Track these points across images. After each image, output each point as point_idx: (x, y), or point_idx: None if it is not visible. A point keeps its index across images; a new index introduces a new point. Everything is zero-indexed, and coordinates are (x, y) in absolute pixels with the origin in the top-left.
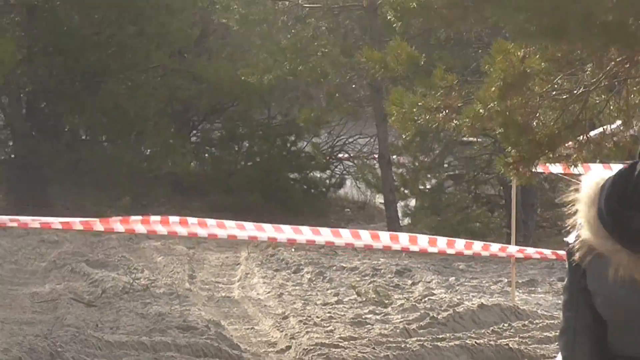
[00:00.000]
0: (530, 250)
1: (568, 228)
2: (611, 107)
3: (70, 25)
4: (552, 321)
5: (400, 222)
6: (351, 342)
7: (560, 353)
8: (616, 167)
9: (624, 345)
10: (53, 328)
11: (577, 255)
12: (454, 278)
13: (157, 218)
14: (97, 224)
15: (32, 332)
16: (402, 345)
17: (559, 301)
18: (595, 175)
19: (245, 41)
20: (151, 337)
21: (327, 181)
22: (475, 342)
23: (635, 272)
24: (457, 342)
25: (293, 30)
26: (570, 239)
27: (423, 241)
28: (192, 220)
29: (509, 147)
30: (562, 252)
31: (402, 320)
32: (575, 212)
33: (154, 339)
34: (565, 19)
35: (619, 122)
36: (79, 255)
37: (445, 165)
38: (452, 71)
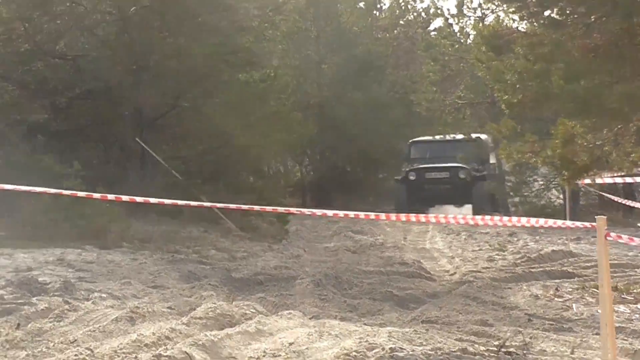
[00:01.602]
0: None
1: None
2: None
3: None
4: None
5: None
6: (488, 269)
7: None
8: None
9: None
10: (336, 265)
11: None
12: None
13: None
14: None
15: (325, 266)
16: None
17: None
18: None
19: None
20: (385, 268)
21: None
22: None
23: None
24: None
25: None
26: None
27: None
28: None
29: None
30: None
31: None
32: None
33: (386, 269)
34: None
35: None
36: (347, 228)
37: None
38: None
